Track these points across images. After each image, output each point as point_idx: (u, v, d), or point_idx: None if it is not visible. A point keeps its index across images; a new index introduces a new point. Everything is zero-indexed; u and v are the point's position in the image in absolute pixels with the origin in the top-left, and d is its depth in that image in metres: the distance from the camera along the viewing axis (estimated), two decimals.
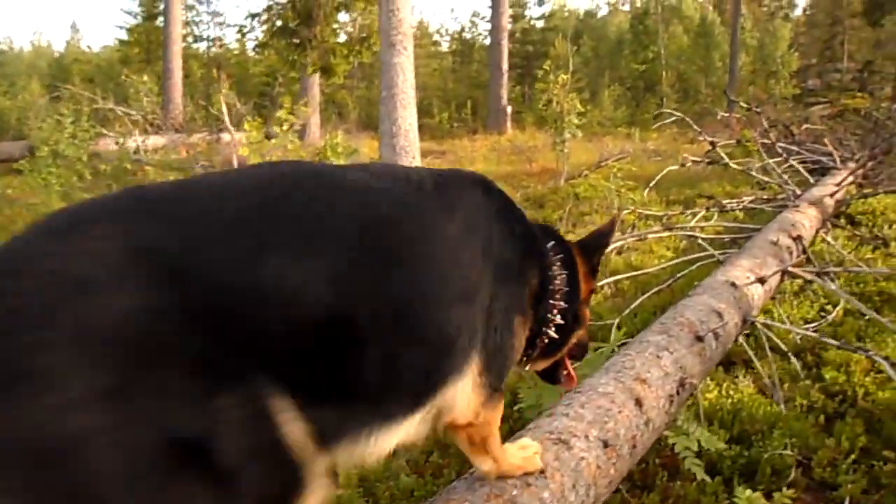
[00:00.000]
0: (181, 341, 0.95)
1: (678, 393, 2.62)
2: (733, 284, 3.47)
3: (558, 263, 1.73)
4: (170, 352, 0.94)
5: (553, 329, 1.73)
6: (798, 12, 49.04)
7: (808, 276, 4.07)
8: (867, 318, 4.77)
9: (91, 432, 0.85)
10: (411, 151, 7.32)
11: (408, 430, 1.35)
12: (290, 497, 1.08)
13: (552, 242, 1.77)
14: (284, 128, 8.04)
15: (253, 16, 17.24)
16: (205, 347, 0.97)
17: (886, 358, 2.95)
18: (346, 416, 1.19)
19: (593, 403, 2.26)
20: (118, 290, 0.93)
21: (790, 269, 4.04)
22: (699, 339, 2.90)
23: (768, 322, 3.74)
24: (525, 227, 1.66)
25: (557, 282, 1.71)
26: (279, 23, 15.81)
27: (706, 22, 36.91)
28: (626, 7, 45.96)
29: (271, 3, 16.82)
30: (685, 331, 2.91)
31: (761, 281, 3.67)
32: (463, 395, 1.42)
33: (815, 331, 4.88)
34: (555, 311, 1.72)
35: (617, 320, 4.79)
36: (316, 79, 19.81)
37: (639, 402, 2.36)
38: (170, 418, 0.92)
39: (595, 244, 1.94)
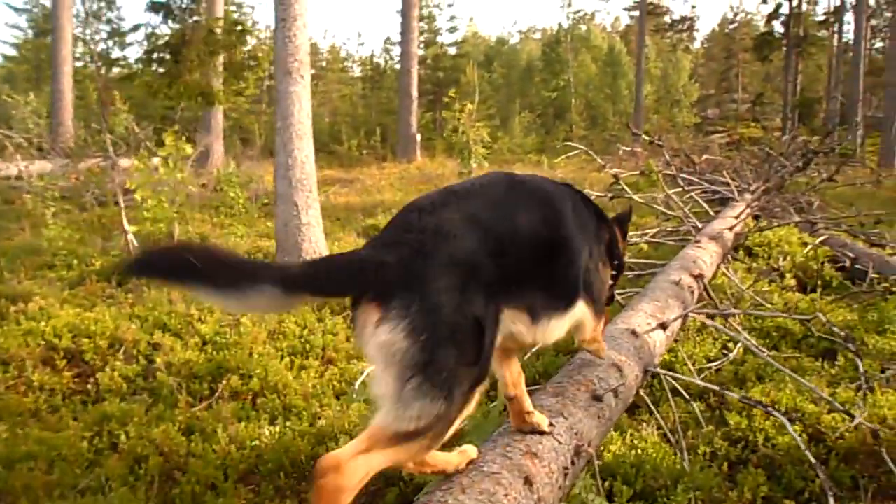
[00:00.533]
0: (485, 265, 1.77)
1: (573, 463, 2.40)
2: (634, 333, 3.31)
3: (614, 230, 2.59)
4: (481, 271, 1.76)
5: (615, 270, 2.57)
6: (697, 45, 51.42)
7: (709, 322, 3.98)
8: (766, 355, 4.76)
9: (452, 300, 1.67)
10: (308, 185, 6.97)
11: (564, 325, 2.22)
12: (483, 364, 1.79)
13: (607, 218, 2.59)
14: (170, 162, 7.57)
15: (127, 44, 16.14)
16: (490, 270, 1.78)
17: (785, 412, 2.82)
18: (543, 306, 2.03)
19: (477, 487, 2.00)
20: (464, 238, 1.76)
21: (692, 313, 3.93)
22: (597, 398, 2.70)
23: (671, 374, 3.58)
24: (596, 208, 2.50)
25: (614, 242, 2.56)
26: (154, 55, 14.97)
27: (614, 52, 38.13)
28: (538, 35, 47.02)
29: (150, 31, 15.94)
30: (582, 390, 2.71)
31: (663, 327, 3.53)
32: (581, 309, 2.28)
33: (717, 370, 4.87)
34: (614, 261, 2.55)
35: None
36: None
37: (528, 481, 2.12)
38: (475, 307, 1.72)
39: (623, 219, 2.77)
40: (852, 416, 3.16)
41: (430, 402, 1.63)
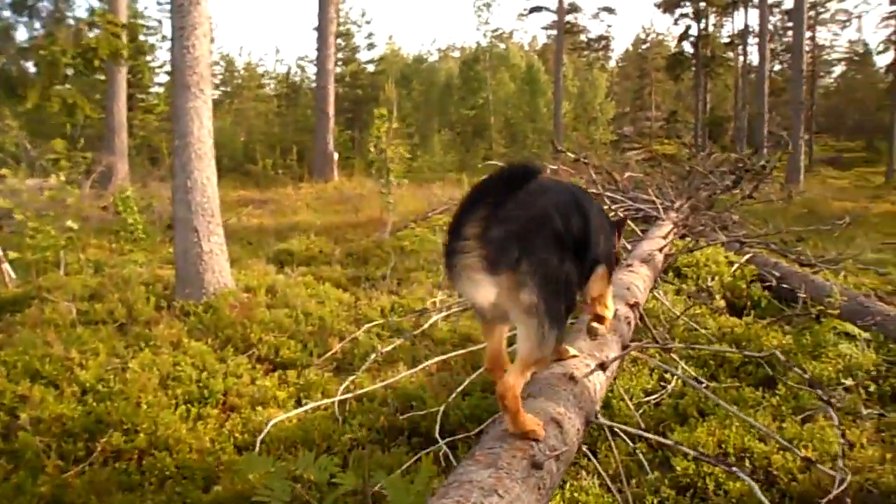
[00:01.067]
0: (567, 240, 2.41)
1: None
2: (572, 378, 2.91)
3: (615, 230, 3.13)
4: (567, 244, 2.40)
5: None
6: (613, 63, 52.70)
7: (650, 359, 3.64)
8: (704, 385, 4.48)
9: (554, 260, 2.29)
10: (210, 209, 6.36)
11: (595, 281, 2.92)
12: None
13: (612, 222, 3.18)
14: (57, 177, 6.82)
15: None
16: (569, 243, 2.43)
17: (734, 467, 2.47)
18: (587, 272, 2.78)
19: None
20: (555, 219, 2.37)
21: (633, 351, 3.58)
22: (537, 466, 2.27)
23: (615, 424, 3.21)
24: (603, 210, 3.19)
25: (615, 237, 3.10)
26: None
27: (532, 70, 38.46)
28: (457, 54, 47.12)
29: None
30: (518, 456, 2.27)
31: (602, 367, 3.15)
32: (603, 271, 2.92)
33: (657, 404, 4.56)
34: (616, 249, 3.12)
35: (442, 407, 4.17)
36: (124, 122, 18.05)
37: None
38: (568, 265, 2.39)
39: (621, 223, 3.31)
40: (811, 462, 2.84)
41: (555, 336, 2.31)
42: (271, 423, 4.02)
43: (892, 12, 40.41)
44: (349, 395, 4.54)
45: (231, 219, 12.84)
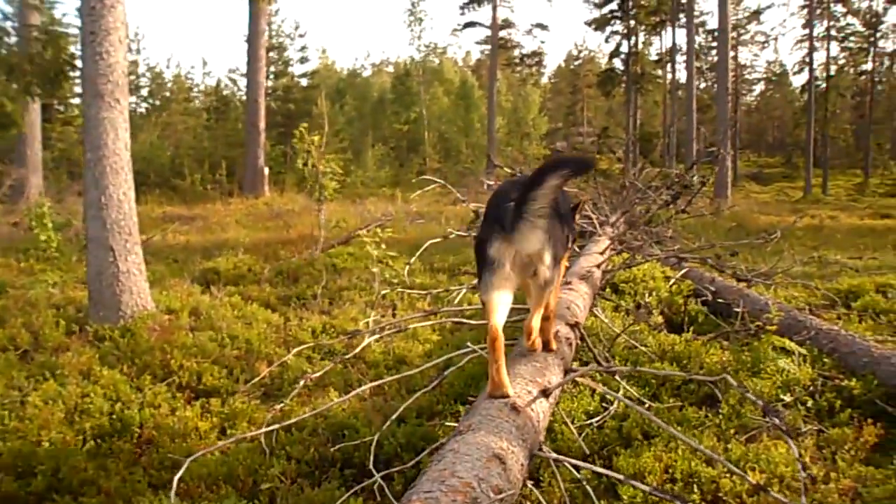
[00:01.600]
0: (562, 214, 3.45)
1: None
2: (514, 408, 2.71)
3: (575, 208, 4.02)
4: (562, 217, 3.42)
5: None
6: (546, 79, 53.52)
7: (595, 385, 3.49)
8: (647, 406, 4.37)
9: (558, 228, 3.24)
10: (126, 227, 5.95)
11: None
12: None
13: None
14: None
15: None
16: (561, 216, 3.38)
17: (679, 500, 2.31)
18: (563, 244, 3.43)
19: None
20: (560, 202, 3.37)
21: (576, 377, 3.42)
22: None
23: (562, 457, 3.02)
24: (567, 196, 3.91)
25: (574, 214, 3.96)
26: None
27: (466, 85, 38.63)
28: (391, 69, 47.01)
29: None
30: (459, 500, 2.06)
31: (545, 394, 2.98)
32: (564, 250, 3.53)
33: (599, 426, 4.41)
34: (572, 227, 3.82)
35: (376, 436, 3.92)
36: (37, 134, 17.12)
37: None
38: (563, 231, 3.37)
39: (578, 205, 4.11)
40: (763, 489, 2.71)
41: (557, 272, 3.29)
42: (191, 459, 3.68)
43: (805, 35, 42.41)
44: (276, 425, 4.24)
45: (155, 236, 12.30)
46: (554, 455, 2.90)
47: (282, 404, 4.50)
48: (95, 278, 6.06)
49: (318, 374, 4.86)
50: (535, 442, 2.74)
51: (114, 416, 4.43)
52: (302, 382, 4.70)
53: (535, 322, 3.36)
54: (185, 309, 6.79)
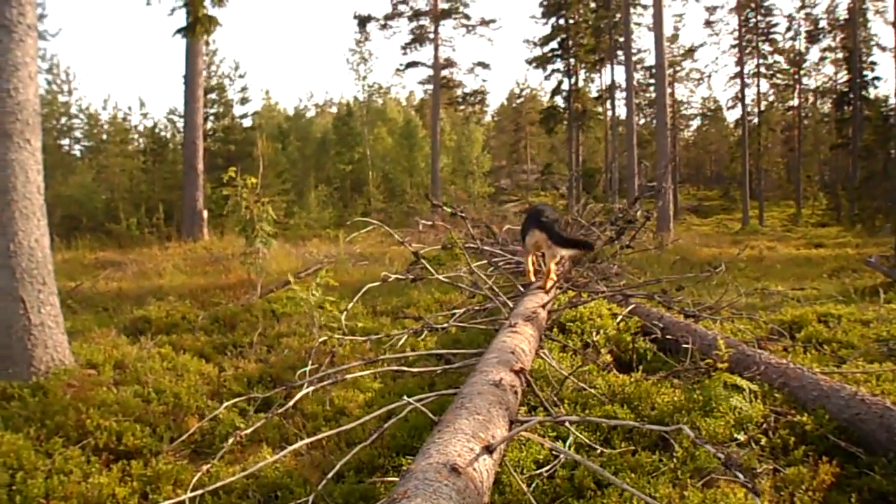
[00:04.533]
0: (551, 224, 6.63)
1: None
2: (454, 469, 2.45)
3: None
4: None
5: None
6: (489, 118, 54.16)
7: (542, 440, 3.26)
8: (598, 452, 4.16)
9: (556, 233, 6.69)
10: (40, 276, 5.52)
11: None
12: None
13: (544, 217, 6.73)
14: None
15: None
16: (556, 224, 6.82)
17: None
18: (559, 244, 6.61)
19: None
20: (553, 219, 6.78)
21: (522, 430, 3.18)
22: None
23: None
24: (553, 214, 6.95)
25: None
26: None
27: (409, 124, 38.75)
28: (334, 109, 46.92)
29: None
30: None
31: (489, 450, 2.72)
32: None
33: (550, 476, 4.17)
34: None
35: (311, 497, 3.60)
36: None
37: None
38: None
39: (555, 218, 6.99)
40: None
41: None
42: None
43: (737, 73, 44.07)
44: (202, 490, 3.87)
45: (84, 283, 11.70)
46: None
47: (209, 465, 4.16)
48: (4, 332, 5.58)
49: (249, 430, 4.52)
50: None
51: (13, 488, 3.98)
52: (231, 440, 4.36)
53: (552, 268, 6.65)
54: (109, 362, 6.34)
